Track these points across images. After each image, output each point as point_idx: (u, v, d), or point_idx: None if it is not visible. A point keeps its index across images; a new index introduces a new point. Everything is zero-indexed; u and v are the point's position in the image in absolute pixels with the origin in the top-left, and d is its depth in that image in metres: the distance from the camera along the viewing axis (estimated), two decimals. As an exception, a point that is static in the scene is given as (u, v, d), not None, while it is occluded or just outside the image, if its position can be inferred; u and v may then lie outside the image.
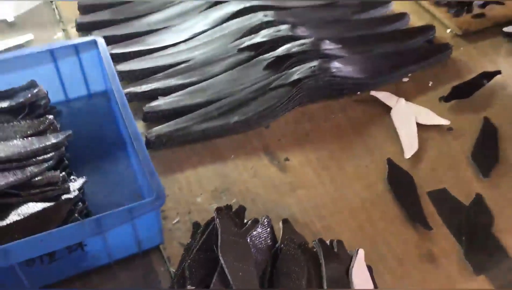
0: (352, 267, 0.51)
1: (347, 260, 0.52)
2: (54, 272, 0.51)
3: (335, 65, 0.72)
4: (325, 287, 0.49)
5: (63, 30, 0.84)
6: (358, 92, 0.74)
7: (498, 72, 0.75)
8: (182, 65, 0.74)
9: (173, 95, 0.70)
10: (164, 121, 0.67)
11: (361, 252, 0.52)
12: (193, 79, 0.72)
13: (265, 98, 0.69)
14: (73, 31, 0.82)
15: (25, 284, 0.49)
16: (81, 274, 0.52)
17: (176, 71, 0.73)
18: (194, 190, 0.61)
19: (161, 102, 0.69)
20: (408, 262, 0.55)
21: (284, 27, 0.77)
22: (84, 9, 0.85)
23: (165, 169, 0.63)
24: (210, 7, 0.83)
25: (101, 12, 0.84)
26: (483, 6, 0.87)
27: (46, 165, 0.55)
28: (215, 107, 0.68)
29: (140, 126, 0.68)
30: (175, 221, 0.58)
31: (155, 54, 0.77)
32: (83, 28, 0.82)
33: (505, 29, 0.82)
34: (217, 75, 0.73)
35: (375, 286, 0.51)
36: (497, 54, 0.80)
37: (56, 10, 0.87)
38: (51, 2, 0.89)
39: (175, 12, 0.84)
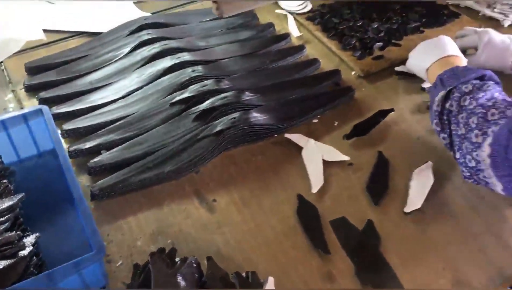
0: (263, 292, 0.63)
1: (260, 288, 0.64)
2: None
3: (253, 114, 0.84)
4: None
5: (12, 91, 0.93)
6: (275, 135, 0.86)
7: (392, 110, 0.89)
8: (121, 121, 0.85)
9: (114, 149, 0.80)
10: (107, 173, 0.78)
11: (270, 280, 0.64)
12: (131, 133, 0.83)
13: (193, 148, 0.80)
14: (22, 92, 0.92)
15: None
16: (39, 317, 0.62)
17: (116, 126, 0.84)
18: (135, 235, 0.72)
19: (103, 157, 0.79)
20: (311, 282, 0.67)
21: (209, 81, 0.89)
22: (30, 71, 0.95)
23: (109, 218, 0.74)
24: (144, 64, 0.94)
25: (47, 73, 0.94)
26: (382, 48, 1.01)
27: (2, 227, 0.65)
28: (151, 159, 0.79)
29: (86, 179, 0.78)
30: (118, 263, 0.68)
31: (97, 112, 0.87)
32: (31, 89, 0.92)
33: (397, 68, 0.96)
34: (152, 128, 0.84)
35: (283, 306, 0.63)
36: (392, 92, 0.94)
37: (5, 72, 0.96)
38: (0, 64, 0.98)
39: (113, 70, 0.94)
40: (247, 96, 0.88)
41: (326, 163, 0.82)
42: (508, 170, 0.64)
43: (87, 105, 0.88)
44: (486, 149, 0.65)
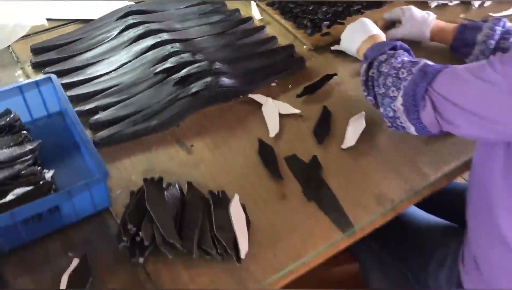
0: (230, 206, 0.83)
1: (228, 203, 0.84)
2: (41, 228, 0.79)
3: (222, 79, 1.04)
4: (213, 221, 0.80)
5: (21, 68, 1.11)
6: (241, 96, 1.06)
7: (335, 74, 1.10)
8: (114, 88, 1.04)
9: (110, 109, 0.99)
10: (104, 128, 0.97)
11: (236, 196, 0.84)
12: (123, 97, 1.02)
13: (174, 106, 1.00)
14: (29, 69, 1.10)
15: (23, 235, 0.77)
16: (59, 229, 0.81)
17: (110, 92, 1.03)
18: (129, 172, 0.91)
19: (101, 115, 0.98)
20: (270, 201, 0.87)
21: (186, 55, 1.08)
22: (35, 51, 1.13)
23: (108, 160, 0.92)
24: (131, 43, 1.13)
25: (50, 52, 1.12)
26: (329, 26, 1.22)
27: (27, 163, 0.84)
28: (140, 116, 0.98)
29: (88, 133, 0.97)
30: (118, 192, 0.87)
31: (94, 81, 1.06)
32: (37, 66, 1.10)
33: (332, 48, 1.17)
34: (140, 93, 1.03)
35: (247, 216, 0.83)
36: (336, 61, 1.15)
37: (13, 54, 1.15)
38: (8, 47, 1.16)
39: (105, 49, 1.13)
40: (217, 65, 1.07)
41: (281, 116, 1.02)
42: (416, 114, 0.83)
43: (86, 77, 1.06)
44: (399, 100, 0.85)
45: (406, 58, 0.89)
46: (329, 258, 0.81)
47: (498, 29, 1.02)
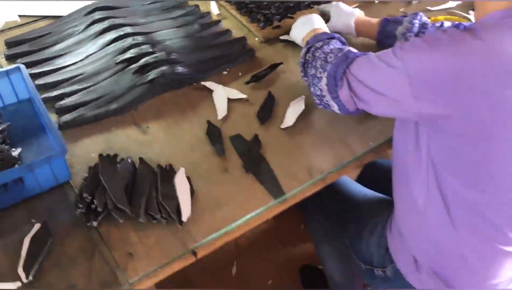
0: (176, 177, 0.94)
1: (175, 175, 0.95)
2: (8, 199, 0.90)
3: (177, 68, 1.15)
4: (159, 190, 0.91)
5: (-4, 60, 1.22)
6: (194, 84, 1.17)
7: (281, 63, 1.21)
8: (80, 76, 1.15)
9: (74, 95, 1.10)
10: (69, 112, 1.07)
11: (182, 169, 0.95)
12: (87, 84, 1.13)
13: (132, 92, 1.11)
14: (3, 60, 1.21)
15: (-8, 204, 0.88)
16: (25, 200, 0.92)
17: (76, 80, 1.14)
18: (90, 150, 1.02)
19: (66, 101, 1.09)
20: (213, 173, 0.98)
21: (145, 46, 1.19)
22: (9, 45, 1.24)
23: (71, 140, 1.03)
24: (97, 36, 1.24)
25: (22, 46, 1.23)
26: (280, 20, 1.33)
27: (-4, 142, 0.95)
28: (101, 100, 1.09)
29: (53, 116, 1.08)
30: (79, 167, 0.98)
31: (62, 71, 1.17)
32: (10, 58, 1.20)
33: (281, 37, 1.28)
34: (102, 81, 1.14)
35: (191, 186, 0.94)
36: (284, 51, 1.26)
37: (-12, 47, 1.25)
38: (-16, 40, 1.26)
39: (73, 42, 1.24)
40: (174, 56, 1.18)
41: (230, 101, 1.13)
42: (336, 93, 0.94)
43: (54, 67, 1.17)
44: (324, 80, 0.96)
45: (336, 46, 1.00)
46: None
47: (416, 23, 1.14)
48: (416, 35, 1.12)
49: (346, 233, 1.16)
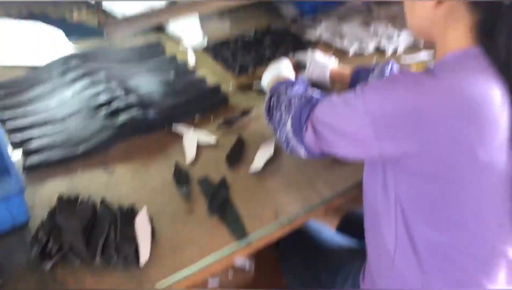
0: (137, 218, 0.91)
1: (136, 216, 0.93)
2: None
3: (149, 112, 1.15)
4: (117, 232, 0.89)
5: (-31, 104, 1.22)
6: (165, 128, 1.17)
7: (252, 109, 1.22)
8: (50, 120, 1.15)
9: (42, 138, 1.10)
10: (35, 155, 1.07)
11: (144, 209, 0.93)
12: (57, 127, 1.13)
13: (101, 135, 1.10)
14: (-24, 105, 1.21)
15: None
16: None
17: (46, 123, 1.14)
18: (53, 193, 1.00)
19: (33, 144, 1.08)
20: (178, 215, 0.96)
21: (119, 91, 1.20)
22: (-16, 90, 1.25)
23: (36, 182, 1.02)
24: (71, 82, 1.25)
25: (-2, 91, 1.24)
26: (254, 68, 1.35)
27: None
28: (70, 143, 1.08)
29: (22, 159, 1.07)
30: (40, 209, 0.96)
31: (33, 115, 1.17)
32: (-17, 102, 1.21)
33: (254, 84, 1.30)
34: (73, 124, 1.14)
35: (152, 227, 0.91)
36: (257, 98, 1.27)
37: (-36, 92, 1.26)
38: (-40, 86, 1.28)
39: (49, 88, 1.25)
40: (146, 101, 1.19)
41: (200, 145, 1.12)
42: (301, 135, 0.92)
43: (27, 111, 1.18)
44: (289, 124, 0.95)
45: (300, 90, 1.01)
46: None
47: (387, 71, 1.16)
48: None
49: (320, 279, 1.12)
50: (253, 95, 1.29)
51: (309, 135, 0.91)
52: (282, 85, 1.05)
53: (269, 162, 1.08)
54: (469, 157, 0.77)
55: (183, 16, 1.18)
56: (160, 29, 1.54)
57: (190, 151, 1.10)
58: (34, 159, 1.05)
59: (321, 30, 1.51)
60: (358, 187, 1.03)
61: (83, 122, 1.14)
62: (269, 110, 1.04)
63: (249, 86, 1.31)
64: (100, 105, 1.18)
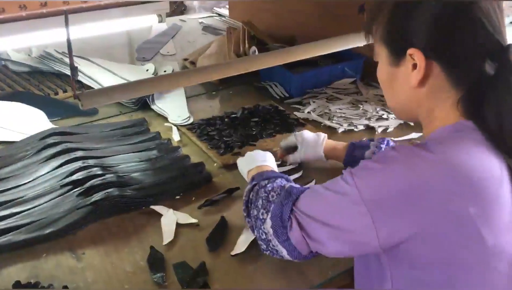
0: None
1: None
2: None
3: (126, 190, 1.08)
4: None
5: None
6: (143, 207, 1.09)
7: (238, 188, 1.15)
8: (18, 200, 1.07)
9: (7, 220, 1.01)
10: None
11: (110, 299, 0.83)
12: (25, 207, 1.05)
13: (72, 215, 1.02)
14: None
15: None
16: None
17: (13, 204, 1.05)
18: (13, 279, 0.89)
19: (-2, 224, 1.00)
20: (149, 306, 0.86)
21: (95, 169, 1.14)
22: (-47, 167, 1.18)
23: (-7, 267, 0.92)
24: (47, 160, 1.19)
25: (-34, 168, 1.17)
26: (240, 147, 1.30)
27: None
28: (36, 224, 1.00)
29: (-19, 242, 0.97)
30: (-7, 298, 0.86)
31: (3, 195, 1.09)
32: (-50, 180, 1.14)
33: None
34: (43, 203, 1.06)
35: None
36: (242, 177, 1.20)
37: None
38: None
39: (21, 166, 1.18)
40: (124, 178, 1.12)
41: (179, 225, 1.04)
42: (285, 235, 0.83)
43: (-7, 190, 1.10)
44: (268, 222, 0.85)
45: (280, 184, 0.93)
46: None
47: (383, 147, 1.11)
48: None
49: None
50: (238, 174, 1.22)
51: (295, 234, 0.82)
52: (264, 176, 0.97)
53: (253, 244, 0.98)
54: (475, 239, 0.69)
55: (163, 88, 1.14)
56: (146, 106, 1.51)
57: (167, 232, 1.01)
58: (-4, 241, 0.96)
59: (309, 110, 1.48)
60: (350, 272, 0.94)
61: (55, 201, 1.06)
62: (248, 204, 0.95)
63: (234, 165, 1.25)
64: (75, 183, 1.10)
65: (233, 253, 0.96)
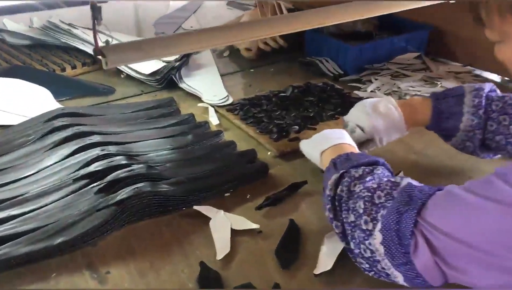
0: None
1: None
2: None
3: (160, 185, 0.81)
4: None
5: None
6: (183, 208, 0.82)
7: (305, 183, 0.88)
8: (19, 198, 0.80)
9: (4, 225, 0.74)
10: (-10, 249, 0.71)
11: None
12: (27, 209, 0.78)
13: (91, 219, 0.75)
14: None
15: None
16: None
17: (12, 203, 0.79)
18: (9, 310, 0.63)
19: (-9, 232, 0.73)
20: None
21: (118, 158, 0.87)
22: None
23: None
24: (55, 146, 0.92)
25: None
26: (298, 131, 1.03)
27: None
28: (41, 231, 0.73)
29: (-34, 256, 0.70)
30: None
31: (-3, 192, 0.83)
32: None
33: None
34: (50, 204, 0.79)
35: None
36: (306, 168, 0.94)
37: None
38: None
39: (21, 154, 0.91)
40: (156, 169, 0.85)
41: (235, 232, 0.77)
42: (404, 257, 0.58)
43: (-15, 185, 0.83)
44: (377, 236, 0.60)
45: (384, 177, 0.66)
46: None
47: (484, 94, 0.83)
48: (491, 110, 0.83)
49: None
50: (299, 164, 0.96)
51: (422, 258, 0.56)
52: (352, 162, 0.70)
53: (342, 258, 0.71)
54: None
55: (202, 46, 0.85)
56: (172, 85, 1.24)
57: (221, 242, 0.74)
58: (-13, 256, 0.69)
59: (373, 88, 1.22)
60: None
61: (66, 200, 0.79)
62: (334, 202, 0.68)
63: (293, 153, 0.98)
64: (92, 177, 0.84)
65: (316, 271, 0.69)
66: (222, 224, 0.78)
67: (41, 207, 0.78)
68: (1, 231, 0.73)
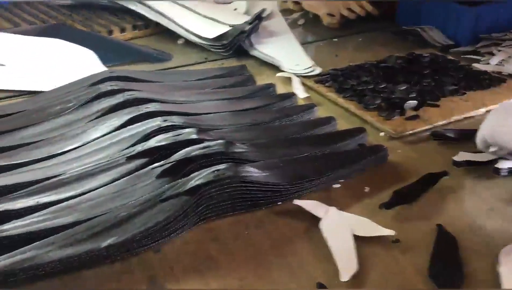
0: None
1: None
2: None
3: (248, 169, 0.58)
4: None
5: None
6: (279, 202, 0.58)
7: (445, 173, 0.63)
8: (54, 179, 0.58)
9: (30, 216, 0.52)
10: (11, 250, 0.48)
11: None
12: (64, 196, 0.56)
13: (153, 212, 0.52)
14: None
15: None
16: None
17: (41, 187, 0.57)
18: None
19: (10, 227, 0.51)
20: None
21: (187, 130, 0.64)
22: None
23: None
24: (102, 115, 0.70)
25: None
26: (416, 108, 0.78)
27: None
28: (83, 228, 0.50)
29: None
30: None
31: (26, 168, 0.61)
32: None
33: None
34: (96, 189, 0.57)
35: None
36: (439, 155, 0.68)
37: None
38: None
39: (59, 124, 0.70)
40: (240, 148, 0.62)
41: (358, 240, 0.53)
42: None
43: (13, 162, 0.62)
44: None
45: None
46: None
47: None
48: None
49: None
50: (426, 149, 0.70)
51: None
52: None
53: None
54: None
55: None
56: (241, 53, 1.01)
57: (343, 256, 0.50)
58: (4, 262, 0.46)
59: (497, 61, 0.96)
60: None
61: (116, 186, 0.57)
62: None
63: (414, 135, 0.73)
64: (152, 154, 0.61)
65: (504, 306, 0.45)
66: (340, 227, 0.54)
67: (83, 193, 0.56)
68: (26, 225, 0.51)
